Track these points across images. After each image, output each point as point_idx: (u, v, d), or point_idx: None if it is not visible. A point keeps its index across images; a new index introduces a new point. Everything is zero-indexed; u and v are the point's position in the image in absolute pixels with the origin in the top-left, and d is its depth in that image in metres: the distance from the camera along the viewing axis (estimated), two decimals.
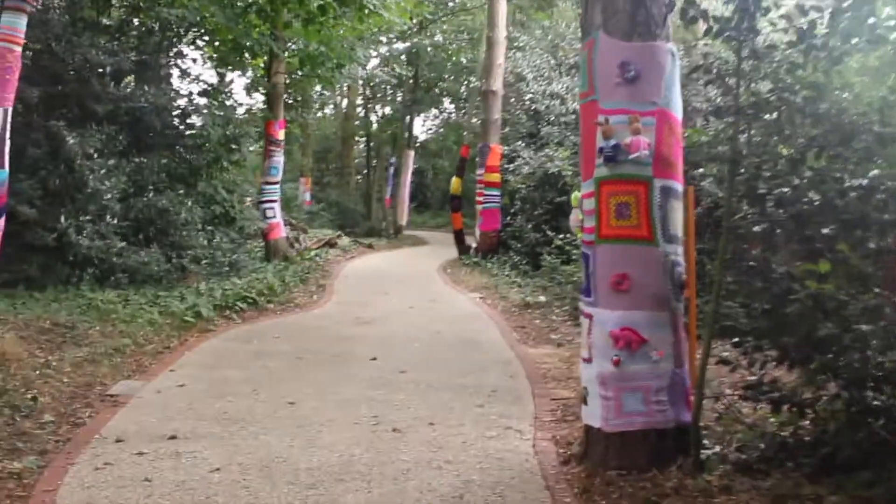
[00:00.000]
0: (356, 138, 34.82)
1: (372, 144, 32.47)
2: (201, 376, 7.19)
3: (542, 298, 11.93)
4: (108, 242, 10.62)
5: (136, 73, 12.88)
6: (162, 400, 6.39)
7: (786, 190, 4.30)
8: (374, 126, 31.45)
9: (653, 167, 4.50)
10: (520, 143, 16.89)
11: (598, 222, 4.63)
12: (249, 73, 18.23)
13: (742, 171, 4.51)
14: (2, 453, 4.96)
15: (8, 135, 6.23)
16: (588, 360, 4.75)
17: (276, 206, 16.64)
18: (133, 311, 9.32)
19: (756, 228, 4.49)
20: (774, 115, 4.43)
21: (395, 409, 6.21)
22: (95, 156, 10.85)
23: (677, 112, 4.64)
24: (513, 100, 19.48)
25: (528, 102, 17.87)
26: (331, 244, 20.77)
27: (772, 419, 4.72)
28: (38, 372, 6.88)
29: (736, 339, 4.39)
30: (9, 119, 6.27)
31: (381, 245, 24.13)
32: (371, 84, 32.21)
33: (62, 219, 10.30)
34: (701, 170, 8.12)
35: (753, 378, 4.45)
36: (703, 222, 7.28)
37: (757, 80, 4.56)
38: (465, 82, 28.39)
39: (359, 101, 33.07)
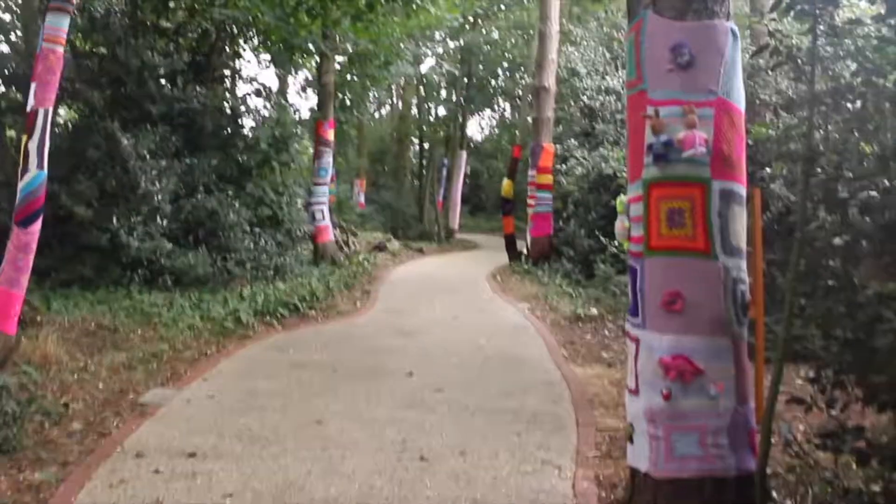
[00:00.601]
0: (411, 139, 34.36)
1: (426, 146, 31.97)
2: (232, 387, 6.89)
3: (595, 311, 11.23)
4: (157, 244, 10.53)
5: (191, 74, 12.71)
6: (189, 411, 6.14)
7: (873, 194, 3.56)
8: (427, 126, 30.86)
9: (711, 167, 3.83)
10: (573, 141, 16.12)
11: (646, 231, 3.98)
12: (302, 74, 17.85)
13: (819, 171, 3.79)
14: (26, 462, 4.88)
15: (48, 136, 5.99)
16: (634, 392, 4.10)
17: (325, 208, 16.26)
18: (175, 315, 9.23)
19: (836, 240, 3.76)
20: (858, 103, 3.69)
21: (425, 434, 5.68)
22: (148, 157, 10.72)
23: (739, 102, 3.95)
24: (568, 98, 18.75)
25: (581, 99, 17.13)
26: (380, 248, 20.36)
27: (857, 472, 3.98)
28: (75, 376, 6.85)
29: (812, 375, 3.65)
30: (49, 120, 6.03)
31: (432, 249, 23.65)
32: (425, 84, 31.74)
33: (114, 220, 10.19)
34: (769, 170, 7.34)
35: (832, 420, 3.69)
36: (772, 232, 6.52)
37: (837, 63, 3.83)
38: (520, 80, 27.59)
39: (413, 100, 32.59)
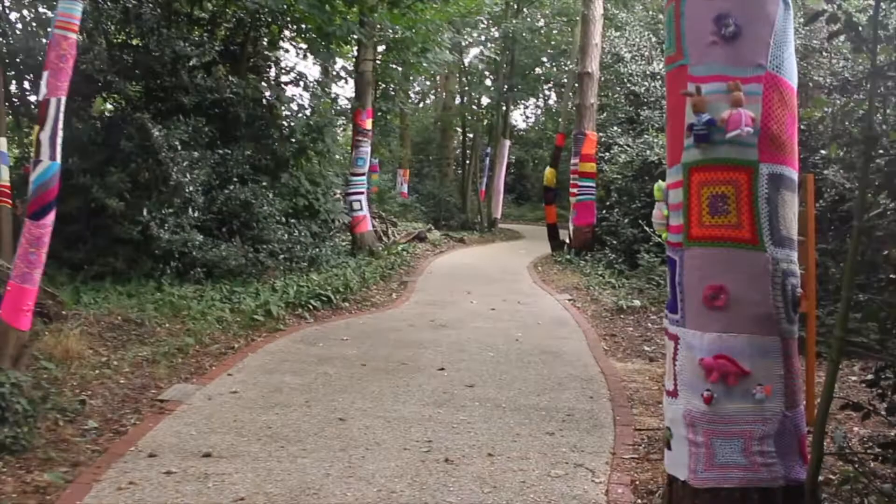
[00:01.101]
0: (455, 129, 34.01)
1: (469, 135, 31.60)
2: (256, 382, 6.71)
3: (637, 302, 10.86)
4: (188, 235, 10.42)
5: (225, 64, 12.58)
6: (210, 408, 5.94)
7: None
8: (471, 115, 30.44)
9: (758, 148, 3.47)
10: (616, 128, 15.65)
11: (686, 219, 3.64)
12: (339, 63, 17.61)
13: (879, 154, 3.42)
14: (35, 463, 4.69)
15: (61, 125, 5.82)
16: (672, 394, 3.76)
17: (363, 198, 16.05)
18: (204, 308, 9.06)
19: None
20: None
21: (452, 433, 5.42)
22: (180, 148, 10.59)
23: (791, 78, 3.57)
24: (612, 84, 18.26)
25: (626, 85, 16.64)
26: (420, 238, 20.15)
27: None
28: (96, 371, 6.68)
29: (870, 377, 3.27)
30: (62, 109, 5.86)
31: (473, 239, 23.36)
32: (467, 72, 31.38)
33: (144, 212, 10.09)
34: (823, 152, 6.89)
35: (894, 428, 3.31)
36: (825, 221, 6.09)
37: None
38: (564, 67, 27.02)
39: (456, 88, 32.22)
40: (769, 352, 3.47)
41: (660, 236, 10.46)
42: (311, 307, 9.84)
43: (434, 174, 33.63)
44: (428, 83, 43.18)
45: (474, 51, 31.50)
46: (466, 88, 30.00)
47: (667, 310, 3.92)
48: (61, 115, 5.90)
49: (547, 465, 4.81)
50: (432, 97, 41.04)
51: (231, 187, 11.22)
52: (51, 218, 5.69)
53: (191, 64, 11.08)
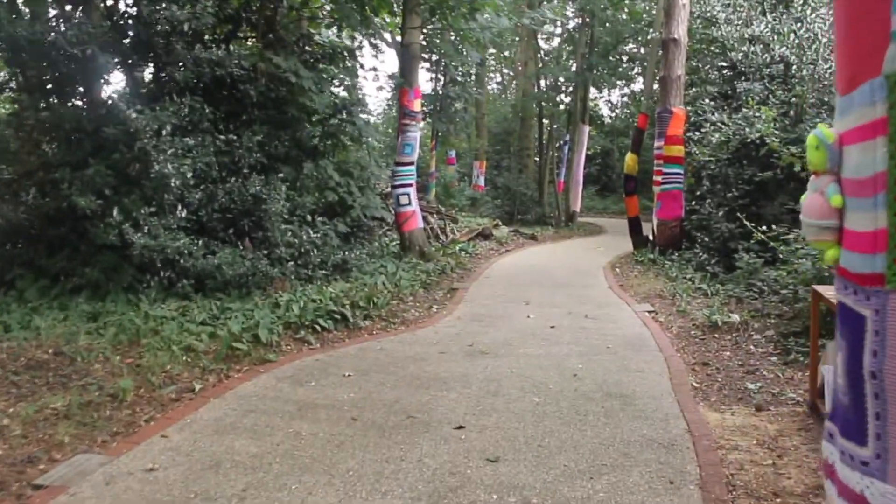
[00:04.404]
0: (535, 118, 31.68)
1: (546, 123, 29.21)
2: (194, 450, 4.76)
3: (735, 317, 8.50)
4: (170, 240, 8.50)
5: (240, 35, 10.71)
6: (98, 502, 4.00)
7: None
8: (547, 100, 28.00)
9: None
10: (709, 101, 13.10)
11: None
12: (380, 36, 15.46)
13: None
14: None
15: None
16: None
17: (412, 190, 13.84)
18: (174, 334, 7.07)
19: None
20: None
21: None
22: (166, 133, 8.74)
23: None
24: (703, 53, 15.66)
25: (719, 53, 14.08)
26: (485, 235, 18.04)
27: None
28: None
29: None
30: None
31: (547, 235, 21.08)
32: (545, 54, 29.06)
33: (115, 211, 8.30)
34: None
35: None
36: None
37: None
38: (648, 38, 24.26)
39: (532, 70, 29.87)
40: None
41: (816, 254, 8.07)
42: (317, 328, 7.86)
43: (513, 166, 31.38)
44: (509, 72, 41.07)
45: (550, 29, 29.15)
46: (541, 67, 27.56)
47: (830, 421, 1.76)
48: None
49: None
50: (514, 89, 38.83)
51: (236, 180, 9.33)
52: None
53: (185, 30, 9.15)
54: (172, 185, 8.34)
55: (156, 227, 8.24)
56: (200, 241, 8.81)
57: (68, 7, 9.54)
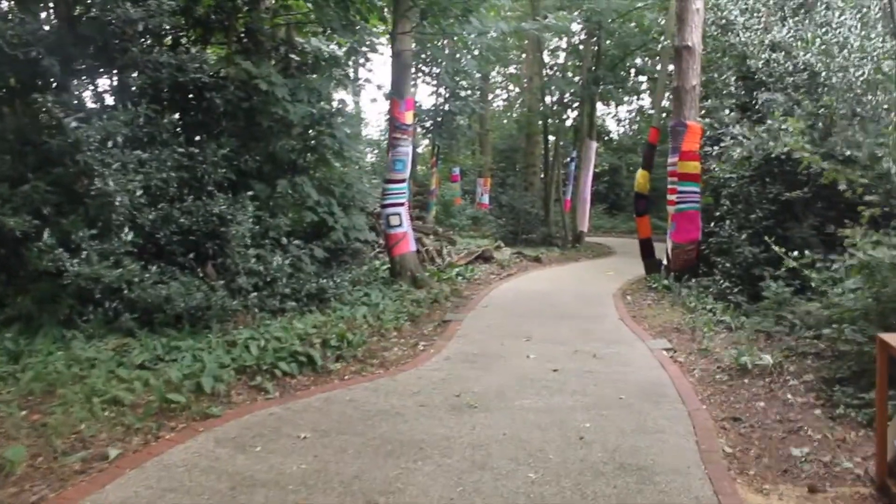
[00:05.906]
0: (540, 133, 30.60)
1: (552, 139, 28.08)
2: None
3: (768, 359, 7.32)
4: (101, 268, 7.33)
5: (209, 39, 9.67)
6: None
7: None
8: (552, 115, 26.88)
9: None
10: (731, 113, 11.93)
11: None
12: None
13: None
14: None
15: None
16: None
17: (403, 211, 12.67)
18: (101, 381, 5.92)
19: None
20: None
21: None
22: (112, 145, 7.67)
23: None
24: (719, 61, 14.52)
25: (738, 60, 12.94)
26: (485, 257, 16.88)
27: None
28: None
29: None
30: None
31: (552, 257, 19.88)
32: (551, 68, 28.05)
33: (45, 234, 7.21)
34: None
35: None
36: None
37: None
38: (657, 46, 23.08)
39: (536, 82, 28.82)
40: None
41: (862, 288, 6.92)
42: (277, 373, 6.71)
43: (518, 184, 30.33)
44: (515, 89, 40.03)
45: (556, 42, 28.16)
46: (546, 81, 26.50)
47: None
48: None
49: None
50: (520, 106, 37.84)
51: (193, 198, 8.22)
52: None
53: (139, 30, 8.07)
54: (117, 203, 7.24)
55: (104, 252, 7.14)
56: (154, 268, 7.73)
57: (6, 3, 8.51)
